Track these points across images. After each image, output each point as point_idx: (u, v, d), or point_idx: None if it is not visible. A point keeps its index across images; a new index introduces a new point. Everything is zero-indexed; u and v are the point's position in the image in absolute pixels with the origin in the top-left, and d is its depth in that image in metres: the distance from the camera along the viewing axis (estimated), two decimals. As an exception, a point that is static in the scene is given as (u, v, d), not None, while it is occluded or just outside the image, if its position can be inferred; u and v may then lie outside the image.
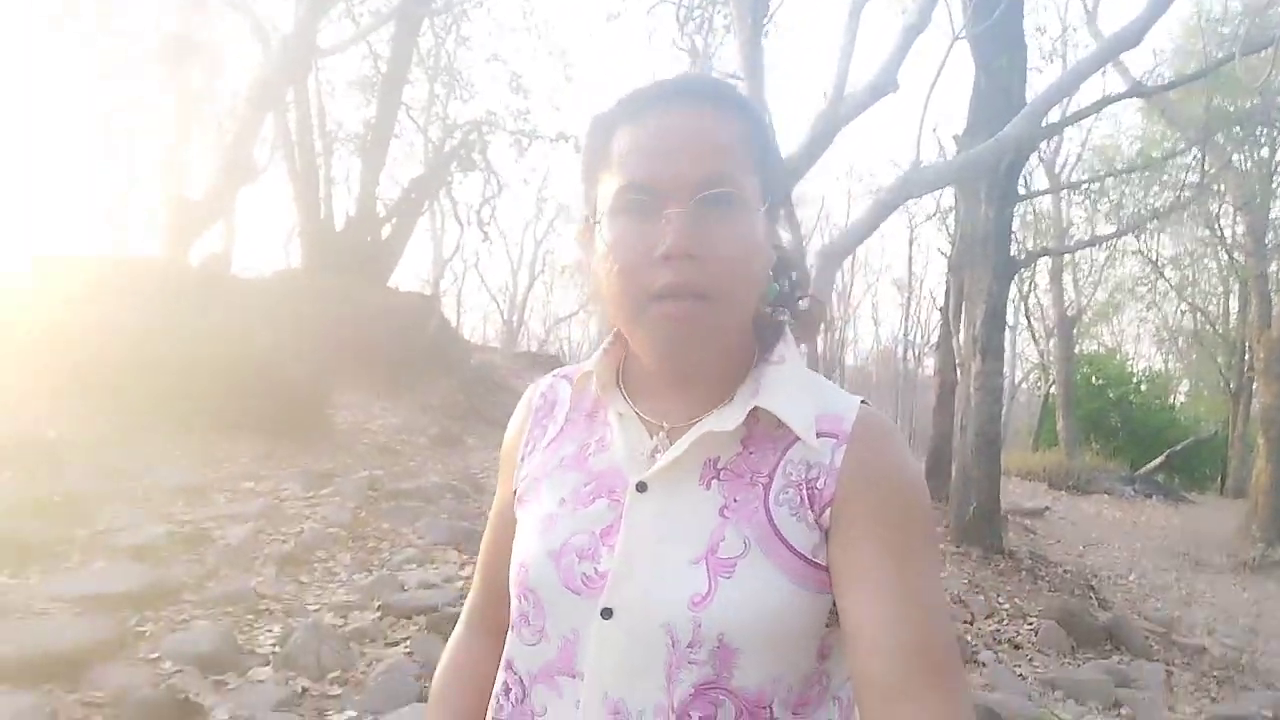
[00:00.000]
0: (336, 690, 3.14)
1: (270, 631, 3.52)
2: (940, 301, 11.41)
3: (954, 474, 8.10)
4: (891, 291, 34.77)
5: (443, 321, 13.57)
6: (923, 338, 28.91)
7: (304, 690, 3.10)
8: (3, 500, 4.40)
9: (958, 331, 8.08)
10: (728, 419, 0.83)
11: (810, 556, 0.80)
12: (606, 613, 0.81)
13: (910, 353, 31.44)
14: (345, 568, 4.37)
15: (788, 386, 0.84)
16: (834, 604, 0.81)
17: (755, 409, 0.83)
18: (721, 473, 0.83)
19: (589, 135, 0.88)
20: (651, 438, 0.87)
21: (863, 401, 0.87)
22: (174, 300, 7.04)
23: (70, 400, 5.97)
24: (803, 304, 0.95)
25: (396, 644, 3.60)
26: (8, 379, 5.97)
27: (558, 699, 0.84)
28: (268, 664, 3.23)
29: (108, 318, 6.53)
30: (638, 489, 0.84)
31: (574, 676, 0.83)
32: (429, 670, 3.35)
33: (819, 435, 0.82)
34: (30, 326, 6.27)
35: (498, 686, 0.92)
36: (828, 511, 0.81)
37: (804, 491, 0.81)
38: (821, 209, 28.34)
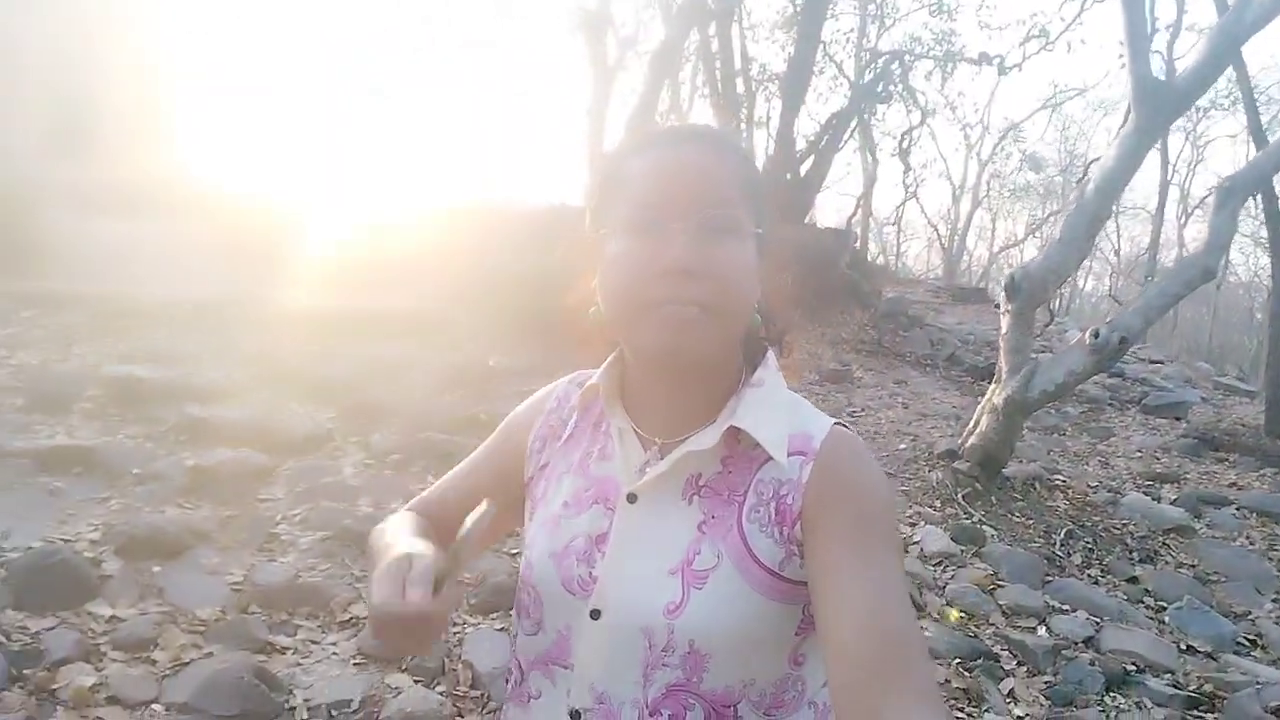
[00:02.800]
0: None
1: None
2: None
3: None
4: None
5: (856, 256, 13.65)
6: None
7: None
8: (446, 415, 5.58)
9: None
10: (707, 438, 0.91)
11: (778, 570, 0.87)
12: (595, 613, 0.90)
13: None
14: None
15: (764, 408, 0.92)
16: (804, 612, 0.89)
17: (733, 429, 0.90)
18: (703, 489, 0.91)
19: (603, 162, 0.99)
20: (645, 452, 0.95)
21: (836, 422, 0.94)
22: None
23: (508, 334, 7.23)
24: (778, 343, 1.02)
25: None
26: (465, 318, 7.41)
27: (551, 686, 0.94)
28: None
29: (538, 263, 7.73)
30: (628, 500, 0.92)
31: (566, 667, 0.92)
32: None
33: (790, 454, 0.89)
34: (480, 270, 7.65)
35: (510, 672, 1.03)
36: (798, 525, 0.87)
37: (774, 508, 0.88)
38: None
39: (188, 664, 2.88)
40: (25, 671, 2.68)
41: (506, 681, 1.03)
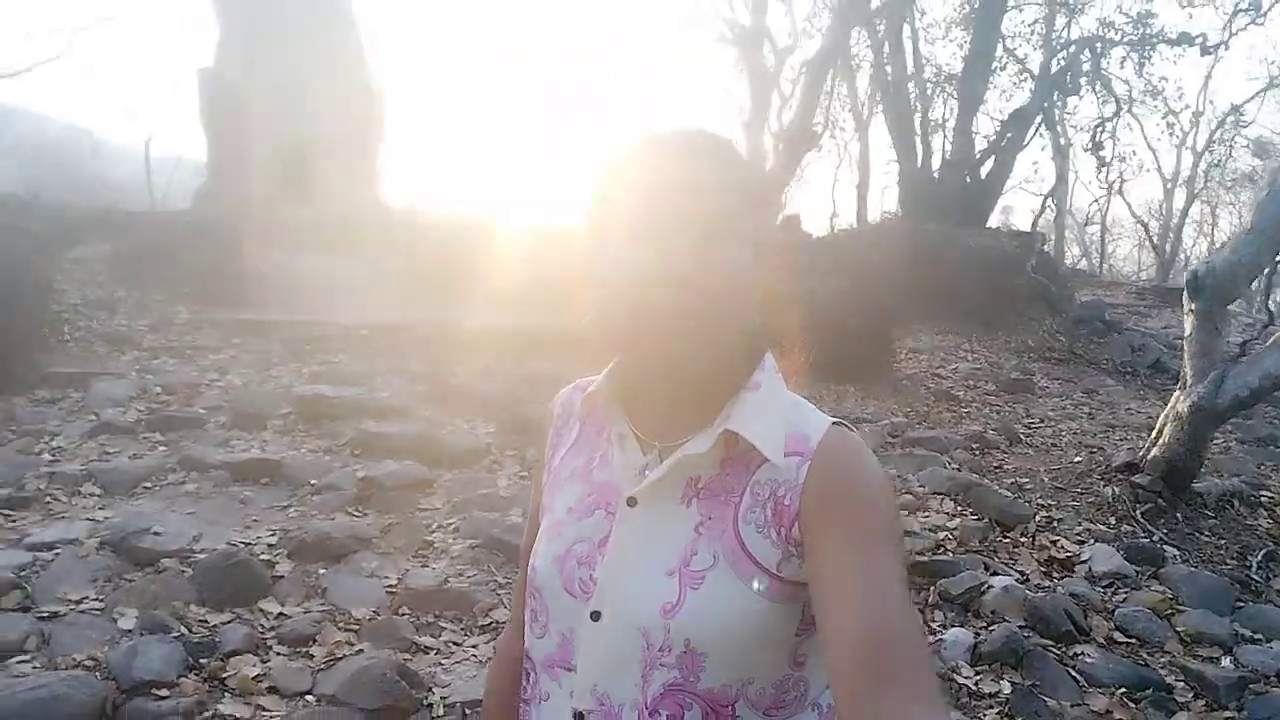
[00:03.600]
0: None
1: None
2: None
3: None
4: None
5: (1043, 259, 12.84)
6: None
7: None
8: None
9: None
10: (702, 442, 0.90)
11: (775, 570, 0.87)
12: (595, 615, 0.91)
13: None
14: (841, 508, 4.76)
15: (760, 410, 0.92)
16: (805, 612, 0.89)
17: (730, 432, 0.90)
18: (701, 492, 0.91)
19: (601, 170, 0.97)
20: (644, 455, 0.95)
21: (835, 422, 0.93)
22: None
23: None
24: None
25: (854, 582, 3.90)
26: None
27: (558, 688, 0.95)
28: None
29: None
30: (628, 504, 0.93)
31: (570, 670, 0.94)
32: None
33: (787, 455, 0.89)
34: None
35: (525, 674, 1.05)
36: (796, 525, 0.87)
37: (770, 509, 0.88)
38: None
39: (340, 659, 3.11)
40: (201, 660, 2.99)
41: (524, 681, 1.05)
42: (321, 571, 3.69)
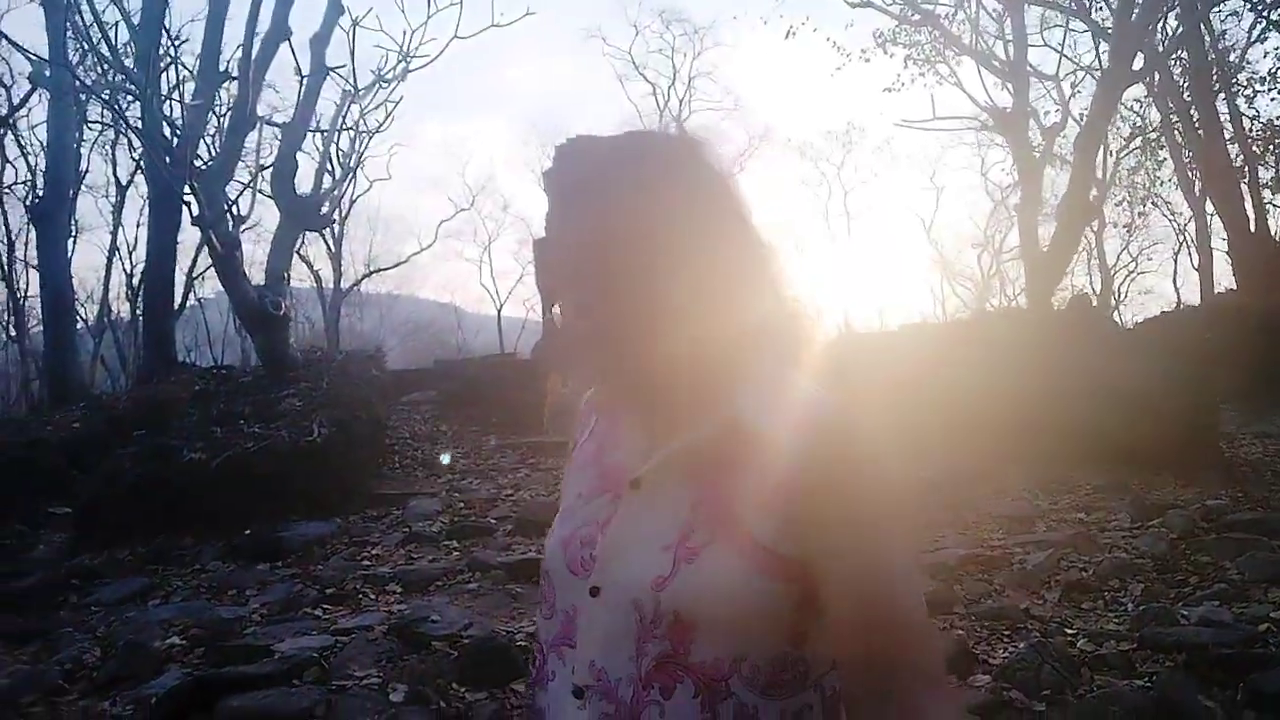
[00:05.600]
0: (1040, 707, 3.21)
1: (1016, 647, 3.72)
2: None
3: None
4: None
5: None
6: None
7: (1008, 701, 3.27)
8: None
9: None
10: (705, 427, 0.93)
11: (771, 547, 0.88)
12: (594, 591, 0.94)
13: None
14: (1134, 599, 4.19)
15: (763, 396, 0.93)
16: (804, 591, 0.89)
17: (733, 418, 0.92)
18: (703, 474, 0.93)
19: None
20: (649, 441, 0.99)
21: (842, 405, 0.94)
22: (1034, 344, 7.51)
23: (944, 442, 6.91)
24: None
25: (1139, 676, 3.41)
26: (898, 428, 7.27)
27: (562, 666, 0.97)
28: (988, 674, 3.48)
29: (973, 367, 7.37)
30: (632, 485, 0.96)
31: (573, 647, 0.96)
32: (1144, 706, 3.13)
33: (791, 437, 0.90)
34: (911, 382, 7.48)
35: (534, 657, 1.06)
36: (797, 505, 0.88)
37: (771, 487, 0.89)
38: None
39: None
40: (451, 732, 3.25)
41: (530, 666, 1.08)
42: (571, 657, 3.87)
